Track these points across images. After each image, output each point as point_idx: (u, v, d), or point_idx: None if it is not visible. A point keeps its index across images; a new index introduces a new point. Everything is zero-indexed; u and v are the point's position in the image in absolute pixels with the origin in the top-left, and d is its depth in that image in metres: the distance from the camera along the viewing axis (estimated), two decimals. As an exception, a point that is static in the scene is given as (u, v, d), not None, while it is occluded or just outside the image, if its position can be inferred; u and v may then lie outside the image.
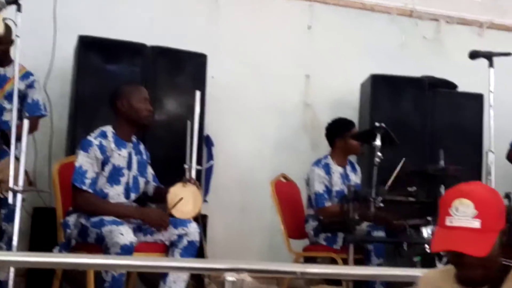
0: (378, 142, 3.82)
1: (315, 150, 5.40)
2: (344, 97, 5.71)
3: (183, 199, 3.47)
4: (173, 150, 4.42)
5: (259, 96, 5.64)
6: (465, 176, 4.00)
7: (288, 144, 5.66)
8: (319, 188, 4.42)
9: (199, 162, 4.27)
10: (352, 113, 5.44)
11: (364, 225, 4.15)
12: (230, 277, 2.33)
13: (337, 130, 4.54)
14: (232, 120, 5.55)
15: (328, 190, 4.45)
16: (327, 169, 4.52)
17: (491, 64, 3.57)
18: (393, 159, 4.51)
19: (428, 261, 3.95)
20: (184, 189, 3.52)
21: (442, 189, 3.94)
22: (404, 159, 4.19)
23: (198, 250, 3.48)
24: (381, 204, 3.82)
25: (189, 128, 4.08)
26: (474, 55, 3.64)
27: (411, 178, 4.13)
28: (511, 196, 4.21)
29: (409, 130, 5.19)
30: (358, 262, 4.13)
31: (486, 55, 3.59)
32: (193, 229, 3.43)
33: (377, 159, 3.80)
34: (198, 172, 4.22)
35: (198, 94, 4.13)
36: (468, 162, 4.95)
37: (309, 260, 4.43)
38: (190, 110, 4.34)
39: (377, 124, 3.85)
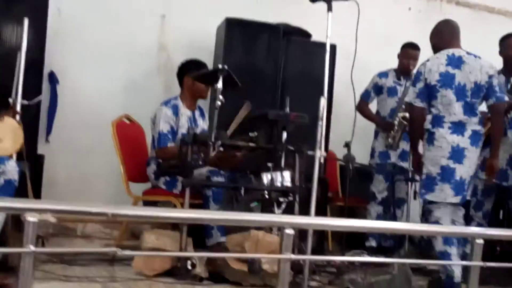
0: (220, 84, 3.71)
1: (168, 93, 5.23)
2: (201, 40, 5.55)
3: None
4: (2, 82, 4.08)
5: (111, 33, 5.36)
6: (305, 123, 4.07)
7: (140, 85, 5.46)
8: (163, 127, 4.27)
9: (26, 96, 3.96)
10: (207, 57, 5.31)
11: (205, 170, 4.06)
12: (31, 217, 2.14)
13: (186, 70, 4.39)
14: (81, 57, 5.25)
15: (173, 132, 4.31)
16: (175, 110, 4.37)
17: (329, 8, 3.54)
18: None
19: (267, 207, 3.97)
20: (0, 124, 3.23)
21: (284, 135, 3.92)
22: (246, 102, 4.10)
23: (19, 190, 3.24)
24: (221, 148, 3.75)
25: (18, 59, 3.76)
26: (313, -2, 3.59)
27: (254, 123, 4.08)
28: (350, 145, 4.32)
29: (262, 76, 5.16)
30: (197, 207, 4.06)
31: (325, -1, 3.54)
32: (11, 167, 3.18)
33: (218, 102, 3.69)
34: (27, 108, 3.92)
35: (26, 21, 3.82)
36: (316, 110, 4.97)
37: (150, 204, 4.30)
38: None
39: (219, 66, 3.73)
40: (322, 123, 3.30)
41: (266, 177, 3.93)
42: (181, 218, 2.68)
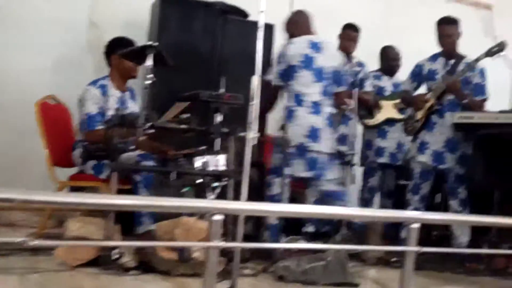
0: (149, 62, 3.50)
1: (100, 72, 4.94)
2: (134, 18, 5.33)
3: None
4: None
5: (40, 9, 5.10)
6: (241, 104, 3.91)
7: (70, 63, 5.21)
8: (92, 109, 4.04)
9: None
10: (141, 35, 5.10)
11: (134, 154, 3.85)
12: None
13: (114, 48, 4.16)
14: (8, 32, 4.99)
15: (102, 113, 4.07)
16: (104, 91, 4.14)
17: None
18: (182, 85, 4.32)
19: (200, 192, 3.81)
20: None
21: (218, 117, 3.75)
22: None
23: None
24: (151, 131, 3.55)
25: None
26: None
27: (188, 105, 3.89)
28: (285, 127, 4.20)
29: (197, 56, 4.98)
30: (126, 192, 3.86)
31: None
32: None
33: (147, 81, 3.49)
34: None
35: None
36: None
37: (77, 190, 4.06)
38: None
39: (148, 43, 3.52)
40: (255, 103, 3.13)
41: (199, 161, 3.76)
42: (100, 204, 2.48)
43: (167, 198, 2.54)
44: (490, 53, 4.47)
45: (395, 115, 5.57)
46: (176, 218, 3.60)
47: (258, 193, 5.11)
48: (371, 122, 5.60)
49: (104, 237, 3.44)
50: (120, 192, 3.66)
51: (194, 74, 4.87)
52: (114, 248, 3.40)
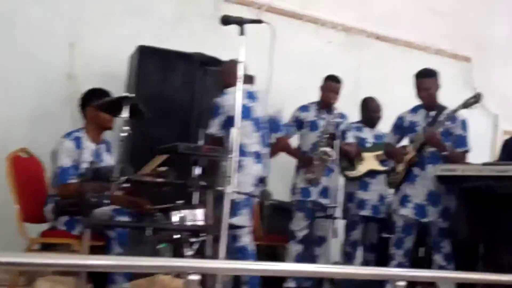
0: (125, 114, 3.40)
1: (76, 125, 4.83)
2: (113, 69, 5.24)
3: None
4: None
5: (17, 60, 5.01)
6: (220, 156, 3.82)
7: (46, 115, 5.09)
8: (65, 162, 3.90)
9: None
10: (120, 87, 5.02)
11: (109, 209, 3.71)
12: None
13: (89, 99, 4.07)
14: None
15: (76, 167, 3.93)
16: (78, 143, 4.01)
17: (242, 32, 3.33)
18: (160, 137, 4.23)
19: (177, 249, 3.67)
20: None
21: (197, 170, 3.64)
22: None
23: None
24: (126, 185, 3.42)
25: None
26: (225, 20, 3.38)
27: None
28: (266, 180, 4.10)
29: (176, 107, 4.89)
30: (100, 249, 3.69)
31: (237, 21, 3.34)
32: None
33: (122, 134, 3.38)
34: None
35: None
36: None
37: (48, 246, 3.89)
38: None
39: (124, 94, 3.43)
40: (234, 156, 3.03)
41: (175, 216, 3.63)
42: (68, 265, 2.32)
43: (140, 258, 2.39)
44: (466, 104, 4.46)
45: (377, 166, 5.51)
46: (151, 277, 3.45)
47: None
48: (353, 174, 5.52)
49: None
50: (94, 248, 3.50)
51: (172, 126, 4.78)
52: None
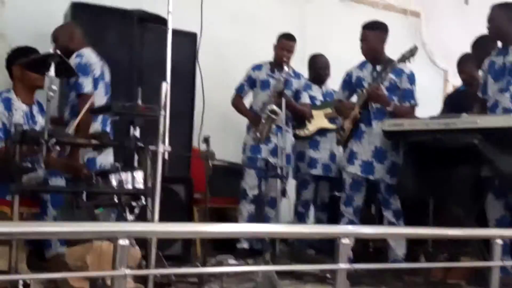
0: (52, 72, 3.16)
1: (7, 86, 4.61)
2: (46, 27, 4.93)
3: None
4: None
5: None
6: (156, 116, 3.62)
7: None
8: None
9: None
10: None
11: (42, 172, 3.50)
12: None
13: (14, 58, 3.83)
14: None
15: (5, 129, 3.73)
16: (8, 104, 3.80)
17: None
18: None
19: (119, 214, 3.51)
20: None
21: (136, 131, 3.44)
22: (93, 96, 3.60)
23: None
24: (57, 147, 3.21)
25: None
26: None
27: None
28: (209, 140, 3.93)
29: (114, 67, 4.61)
30: (34, 215, 3.50)
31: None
32: None
33: (50, 93, 3.15)
34: None
35: None
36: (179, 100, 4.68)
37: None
38: None
39: (50, 51, 3.19)
40: (164, 113, 2.84)
41: (114, 179, 3.45)
42: None
43: (66, 223, 2.24)
44: (403, 58, 4.39)
45: (327, 124, 5.41)
46: (88, 243, 3.26)
47: (186, 211, 4.84)
48: (303, 133, 5.41)
49: (8, 267, 3.07)
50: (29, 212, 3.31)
51: (113, 87, 4.55)
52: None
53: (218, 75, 5.38)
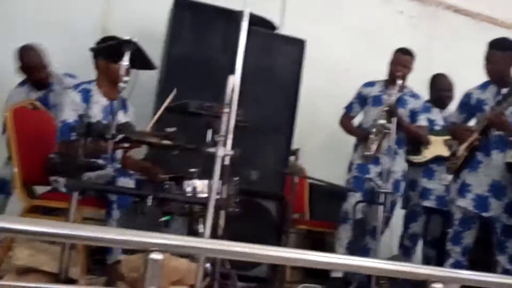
0: (125, 61, 2.90)
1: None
2: (152, 25, 4.81)
3: None
4: None
5: (45, 10, 4.72)
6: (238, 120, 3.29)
7: (78, 71, 4.67)
8: (68, 116, 3.49)
9: None
10: (158, 45, 4.58)
11: (111, 169, 3.26)
12: None
13: (97, 49, 3.62)
14: (4, 35, 4.60)
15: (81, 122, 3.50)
16: (87, 96, 3.58)
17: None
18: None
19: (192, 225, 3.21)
20: None
21: (210, 134, 3.12)
22: (175, 90, 3.33)
23: None
24: (125, 144, 2.96)
25: None
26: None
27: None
28: (298, 153, 3.54)
29: (215, 69, 4.34)
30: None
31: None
32: None
33: (121, 84, 2.89)
34: None
35: None
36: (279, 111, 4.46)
37: (48, 210, 3.48)
38: None
39: (126, 38, 2.94)
40: (229, 111, 2.47)
41: (188, 186, 3.15)
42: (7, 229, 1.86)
43: (88, 227, 1.92)
44: None
45: (446, 152, 4.80)
46: (145, 253, 2.95)
47: (276, 230, 4.47)
48: (418, 159, 4.90)
49: (58, 270, 2.83)
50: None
51: (209, 89, 4.27)
52: (69, 281, 2.80)
53: (327, 92, 5.03)
